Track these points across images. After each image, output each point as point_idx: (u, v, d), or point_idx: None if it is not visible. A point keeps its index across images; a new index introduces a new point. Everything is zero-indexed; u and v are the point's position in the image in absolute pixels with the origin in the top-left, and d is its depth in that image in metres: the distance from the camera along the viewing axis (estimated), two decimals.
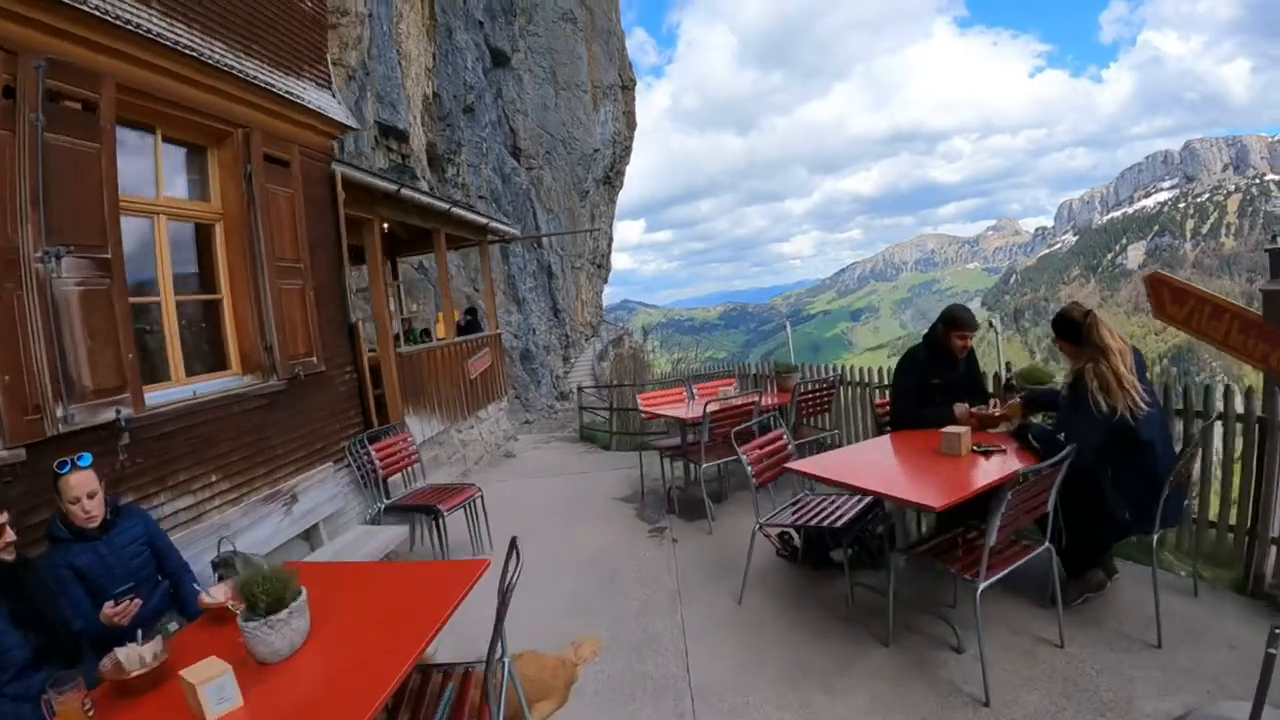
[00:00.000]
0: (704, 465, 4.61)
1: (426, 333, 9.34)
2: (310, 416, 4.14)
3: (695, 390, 5.84)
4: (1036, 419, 3.53)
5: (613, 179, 37.31)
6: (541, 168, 29.47)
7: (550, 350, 26.81)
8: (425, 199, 6.88)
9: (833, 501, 3.56)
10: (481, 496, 4.45)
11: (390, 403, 6.33)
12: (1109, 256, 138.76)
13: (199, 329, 3.81)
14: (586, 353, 30.32)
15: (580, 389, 13.46)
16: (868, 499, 3.32)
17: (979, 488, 2.67)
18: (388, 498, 4.49)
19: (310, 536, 3.87)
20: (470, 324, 9.93)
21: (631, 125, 38.65)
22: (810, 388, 5.31)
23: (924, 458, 3.14)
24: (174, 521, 3.16)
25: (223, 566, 3.03)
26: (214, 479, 3.39)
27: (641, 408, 5.65)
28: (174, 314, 3.51)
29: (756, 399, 4.85)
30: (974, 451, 3.09)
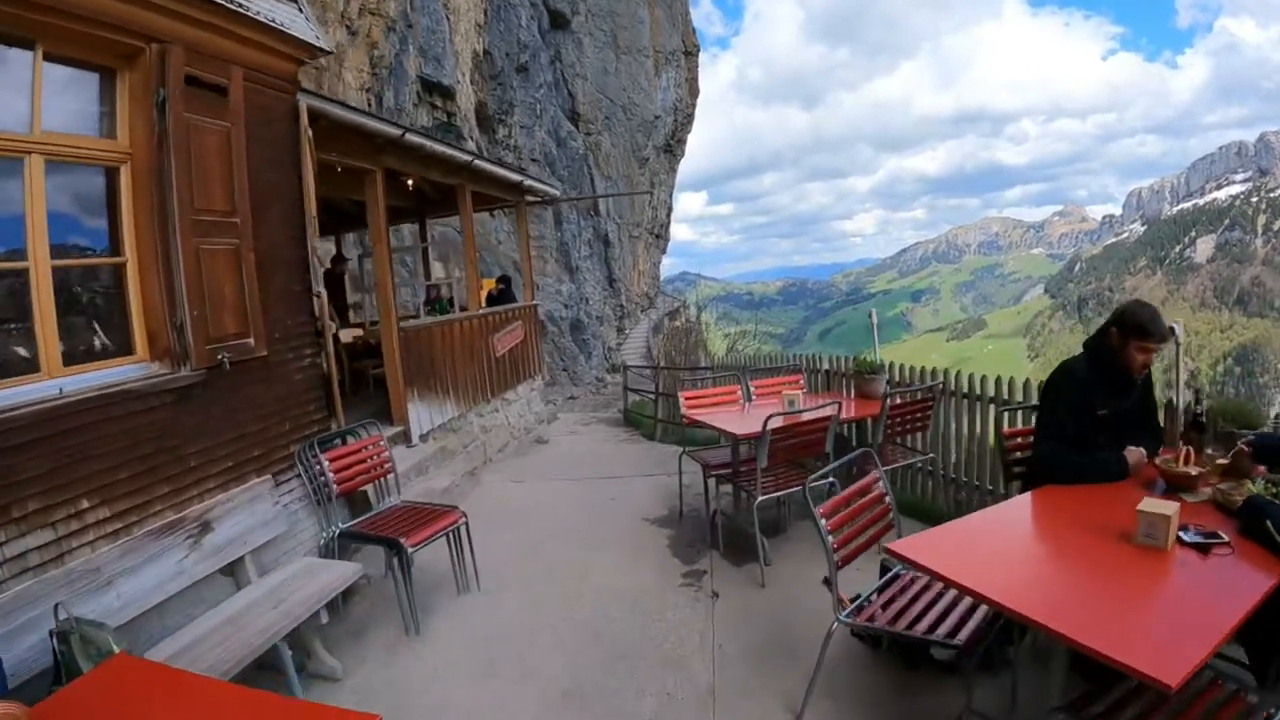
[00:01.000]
0: (759, 499, 3.49)
1: (453, 302, 8.46)
2: (243, 416, 3.22)
3: (753, 390, 4.68)
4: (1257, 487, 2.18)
5: (674, 147, 35.80)
6: (600, 133, 28.33)
7: (604, 321, 25.94)
8: (440, 148, 5.87)
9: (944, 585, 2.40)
10: (466, 523, 3.48)
11: (391, 385, 5.47)
12: (1177, 249, 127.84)
13: (92, 304, 2.94)
14: (641, 325, 29.30)
15: (626, 367, 12.42)
16: None
17: (1230, 629, 1.47)
18: (352, 518, 3.60)
19: (236, 573, 2.99)
20: (503, 294, 9.02)
21: (694, 92, 36.90)
22: (903, 399, 4.05)
23: (1102, 548, 1.91)
24: (18, 568, 2.31)
25: (61, 641, 2.17)
26: (85, 505, 2.52)
27: (683, 410, 4.51)
28: (47, 284, 2.62)
29: (835, 414, 3.63)
30: (1180, 542, 1.87)
